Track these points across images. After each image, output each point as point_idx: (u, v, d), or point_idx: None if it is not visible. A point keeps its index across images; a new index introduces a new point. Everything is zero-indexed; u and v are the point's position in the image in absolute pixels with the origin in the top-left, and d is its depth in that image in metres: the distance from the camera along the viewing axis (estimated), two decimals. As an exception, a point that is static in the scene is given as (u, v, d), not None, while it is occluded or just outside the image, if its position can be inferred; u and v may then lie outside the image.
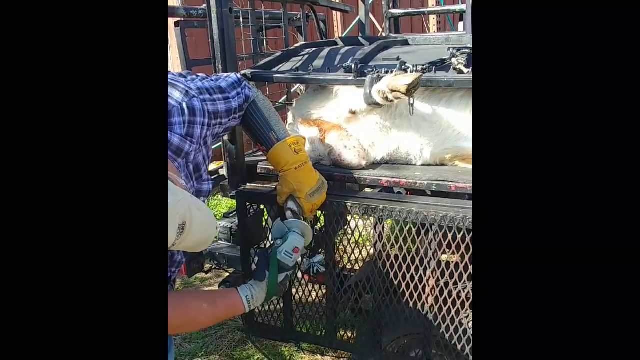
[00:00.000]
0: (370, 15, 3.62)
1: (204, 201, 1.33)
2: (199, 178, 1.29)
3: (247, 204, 1.68)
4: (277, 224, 1.44)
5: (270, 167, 1.71)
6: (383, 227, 1.53)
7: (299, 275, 1.74)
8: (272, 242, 1.46)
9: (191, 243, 0.95)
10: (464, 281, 1.44)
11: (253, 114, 1.43)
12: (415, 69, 1.55)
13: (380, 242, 1.53)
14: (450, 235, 1.41)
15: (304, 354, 2.43)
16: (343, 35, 4.81)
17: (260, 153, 1.99)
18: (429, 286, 1.50)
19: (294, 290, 1.74)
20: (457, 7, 3.17)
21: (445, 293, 1.48)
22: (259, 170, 1.74)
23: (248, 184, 1.68)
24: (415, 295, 1.52)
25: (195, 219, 0.91)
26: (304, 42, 2.32)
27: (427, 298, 1.51)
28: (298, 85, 2.69)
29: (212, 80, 1.34)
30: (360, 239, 1.61)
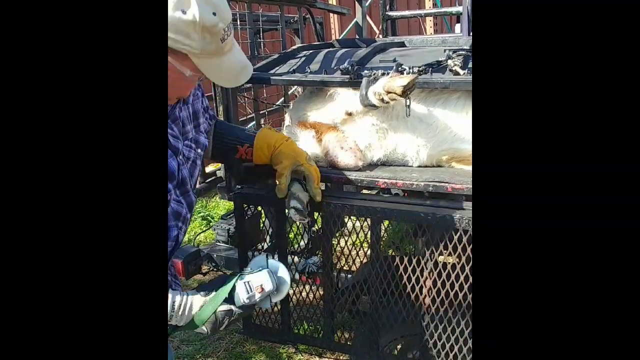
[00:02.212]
0: (367, 18, 3.63)
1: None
2: (197, 126, 1.34)
3: (245, 205, 1.68)
4: (260, 256, 1.30)
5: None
6: (380, 229, 1.53)
7: (297, 276, 1.74)
8: (243, 270, 1.28)
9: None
10: (461, 282, 1.45)
11: (226, 125, 1.53)
12: (411, 70, 1.56)
13: (378, 243, 1.54)
14: (447, 237, 1.42)
15: (302, 356, 2.44)
16: (340, 38, 4.82)
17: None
18: (426, 287, 1.50)
19: (291, 292, 1.74)
20: (453, 9, 3.18)
21: (443, 294, 1.48)
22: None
23: (245, 186, 1.69)
24: (413, 296, 1.52)
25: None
26: (301, 45, 2.33)
27: (424, 299, 1.52)
28: (295, 87, 2.70)
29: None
30: (357, 241, 1.61)
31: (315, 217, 1.62)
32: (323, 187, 1.66)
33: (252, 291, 1.19)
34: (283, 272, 1.26)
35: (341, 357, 2.38)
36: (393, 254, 2.44)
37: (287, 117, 1.89)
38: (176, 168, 1.22)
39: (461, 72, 1.52)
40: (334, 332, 1.71)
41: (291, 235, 1.65)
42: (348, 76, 1.61)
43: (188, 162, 1.28)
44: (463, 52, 1.58)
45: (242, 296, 1.19)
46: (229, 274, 1.26)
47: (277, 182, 1.42)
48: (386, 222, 1.51)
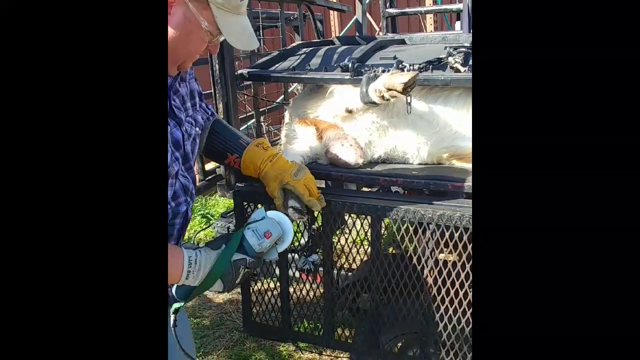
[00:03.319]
0: (368, 15, 3.62)
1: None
2: (194, 105, 1.34)
3: (245, 203, 1.67)
4: (259, 209, 1.33)
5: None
6: (380, 226, 1.52)
7: (297, 274, 1.73)
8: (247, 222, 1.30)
9: None
10: (462, 280, 1.44)
11: (221, 125, 1.49)
12: (412, 67, 1.55)
13: (378, 241, 1.53)
14: (447, 234, 1.41)
15: (302, 354, 2.44)
16: (340, 35, 4.80)
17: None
18: (426, 285, 1.50)
19: (291, 290, 1.74)
20: (453, 7, 3.17)
21: (443, 292, 1.48)
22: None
23: (245, 184, 1.68)
24: (413, 294, 1.52)
25: None
26: (301, 42, 2.32)
27: (424, 297, 1.51)
28: (295, 84, 2.69)
29: None
30: (358, 238, 1.61)
31: (316, 215, 1.62)
32: (322, 185, 1.66)
33: (261, 237, 1.21)
34: (285, 222, 1.27)
35: (341, 355, 2.38)
36: (393, 251, 2.44)
37: (287, 114, 1.89)
38: (181, 138, 1.20)
39: (462, 69, 1.52)
40: (335, 330, 1.71)
41: (291, 233, 1.65)
42: (348, 73, 1.60)
43: (189, 138, 1.27)
44: (463, 50, 1.57)
45: (252, 242, 1.20)
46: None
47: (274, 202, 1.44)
48: (386, 220, 1.51)
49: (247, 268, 1.21)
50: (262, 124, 2.26)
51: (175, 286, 1.20)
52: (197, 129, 1.33)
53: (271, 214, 1.28)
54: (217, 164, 1.86)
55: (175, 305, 1.22)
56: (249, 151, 1.44)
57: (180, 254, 1.16)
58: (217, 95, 1.69)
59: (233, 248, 1.20)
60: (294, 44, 2.22)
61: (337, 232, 1.74)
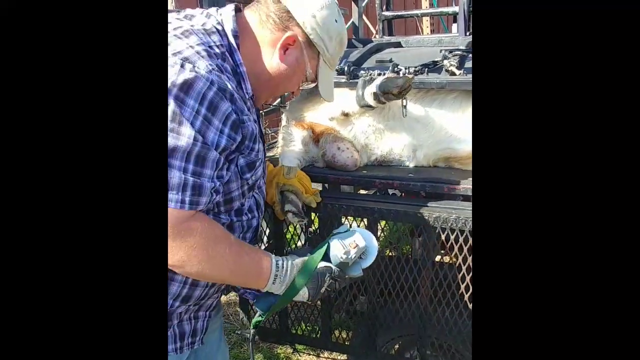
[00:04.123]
0: (364, 18, 3.63)
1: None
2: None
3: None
4: (343, 227, 1.28)
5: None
6: (377, 229, 1.53)
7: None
8: (332, 233, 1.27)
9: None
10: (458, 282, 1.45)
11: None
12: (407, 70, 1.56)
13: (375, 243, 1.54)
14: (443, 236, 1.42)
15: (300, 356, 2.44)
16: (337, 38, 4.81)
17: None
18: (423, 287, 1.51)
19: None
20: (450, 9, 3.18)
21: (440, 294, 1.49)
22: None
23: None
24: (410, 296, 1.52)
25: None
26: (297, 45, 2.32)
27: (421, 299, 1.52)
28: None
29: None
30: (355, 241, 1.61)
31: (312, 218, 1.62)
32: (320, 188, 1.66)
33: (346, 247, 1.18)
34: (370, 238, 1.24)
35: (339, 357, 2.39)
36: (390, 254, 2.44)
37: (283, 117, 1.89)
38: (258, 132, 1.17)
39: (457, 72, 1.53)
40: (332, 332, 1.71)
41: (288, 236, 1.65)
42: (344, 77, 1.61)
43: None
44: (459, 52, 1.58)
45: (338, 252, 1.17)
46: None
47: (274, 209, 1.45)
48: (383, 223, 1.51)
49: (333, 277, 1.19)
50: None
51: (257, 299, 1.19)
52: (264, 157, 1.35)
53: (356, 229, 1.26)
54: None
55: (256, 319, 1.20)
56: None
57: (268, 257, 1.15)
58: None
59: (319, 256, 1.18)
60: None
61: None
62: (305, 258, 1.19)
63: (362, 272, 1.24)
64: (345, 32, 1.22)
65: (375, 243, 1.23)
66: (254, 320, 1.20)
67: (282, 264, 1.15)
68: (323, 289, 1.18)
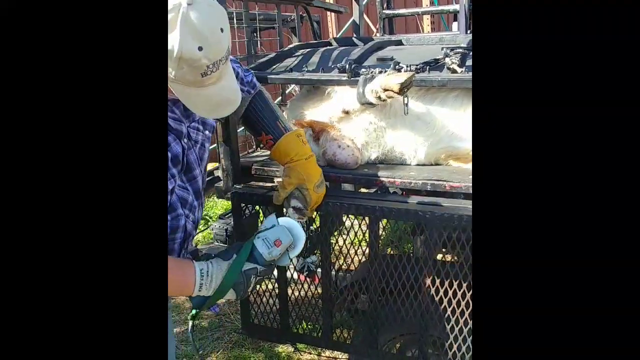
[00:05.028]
0: (365, 16, 3.62)
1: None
2: None
3: (243, 205, 1.67)
4: (270, 216, 1.31)
5: (265, 167, 1.71)
6: (378, 227, 1.52)
7: (295, 275, 1.73)
8: (257, 230, 1.30)
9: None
10: (460, 281, 1.44)
11: (261, 102, 1.46)
12: (408, 68, 1.55)
13: (376, 242, 1.53)
14: (445, 235, 1.42)
15: (301, 355, 2.43)
16: (337, 36, 4.81)
17: (256, 153, 1.99)
18: (424, 286, 1.50)
19: (289, 291, 1.74)
20: (450, 8, 3.18)
21: (441, 292, 1.48)
22: (253, 172, 1.74)
23: (243, 185, 1.68)
24: (411, 294, 1.52)
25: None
26: (298, 43, 2.32)
27: (422, 298, 1.51)
28: (292, 86, 2.69)
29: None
30: (356, 239, 1.61)
31: (314, 216, 1.62)
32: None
33: (271, 246, 1.22)
34: (296, 228, 1.28)
35: (340, 356, 2.38)
36: (391, 252, 2.44)
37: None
38: (180, 152, 1.18)
39: (459, 70, 1.52)
40: (333, 331, 1.71)
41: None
42: (345, 74, 1.60)
43: (196, 145, 1.26)
44: (460, 50, 1.58)
45: (262, 251, 1.22)
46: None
47: (278, 190, 1.42)
48: (384, 221, 1.51)
49: (259, 277, 1.23)
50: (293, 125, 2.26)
51: (191, 297, 1.22)
52: (207, 132, 1.30)
53: (282, 220, 1.29)
54: (215, 166, 1.86)
55: (192, 313, 1.27)
56: (287, 140, 1.41)
57: (191, 267, 1.18)
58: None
59: (243, 258, 1.22)
60: (291, 46, 2.22)
61: (335, 233, 1.74)
62: (231, 261, 1.22)
63: (291, 261, 1.30)
64: (188, 45, 0.97)
65: (301, 233, 1.29)
66: (190, 315, 1.28)
67: (207, 271, 1.18)
68: (250, 288, 1.24)
